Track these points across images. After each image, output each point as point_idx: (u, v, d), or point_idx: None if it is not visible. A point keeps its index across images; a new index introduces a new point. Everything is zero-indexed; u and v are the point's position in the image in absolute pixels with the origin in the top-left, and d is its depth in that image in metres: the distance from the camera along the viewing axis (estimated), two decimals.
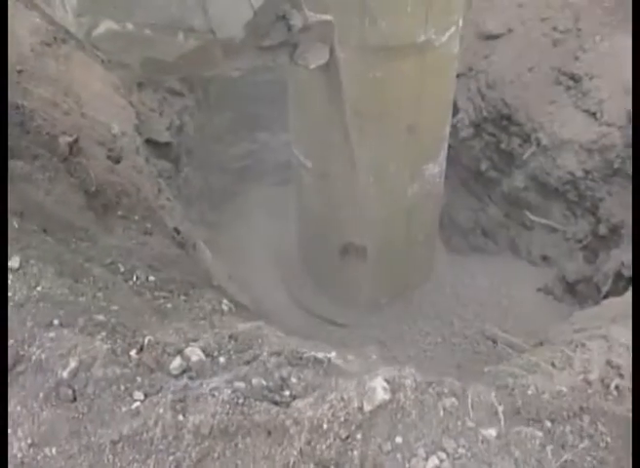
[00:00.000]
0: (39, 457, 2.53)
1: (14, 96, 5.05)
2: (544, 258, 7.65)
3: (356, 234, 6.93)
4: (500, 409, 2.77)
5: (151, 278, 4.06)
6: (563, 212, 7.40)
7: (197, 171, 8.11)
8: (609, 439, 3.06)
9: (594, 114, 6.93)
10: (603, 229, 6.94)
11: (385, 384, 2.50)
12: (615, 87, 6.89)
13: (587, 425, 3.11)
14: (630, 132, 6.66)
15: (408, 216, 6.85)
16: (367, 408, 2.43)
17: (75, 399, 2.67)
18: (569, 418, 3.14)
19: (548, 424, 3.07)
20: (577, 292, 7.15)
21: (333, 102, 6.00)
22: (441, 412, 2.53)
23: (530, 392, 3.37)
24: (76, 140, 5.25)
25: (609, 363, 3.63)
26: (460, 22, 6.01)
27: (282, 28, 2.81)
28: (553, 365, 3.78)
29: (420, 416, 2.48)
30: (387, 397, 2.47)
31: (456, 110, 7.98)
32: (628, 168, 6.72)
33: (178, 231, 5.63)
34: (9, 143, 4.24)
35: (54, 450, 2.54)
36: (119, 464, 2.46)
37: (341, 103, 5.95)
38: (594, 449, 3.00)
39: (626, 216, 6.70)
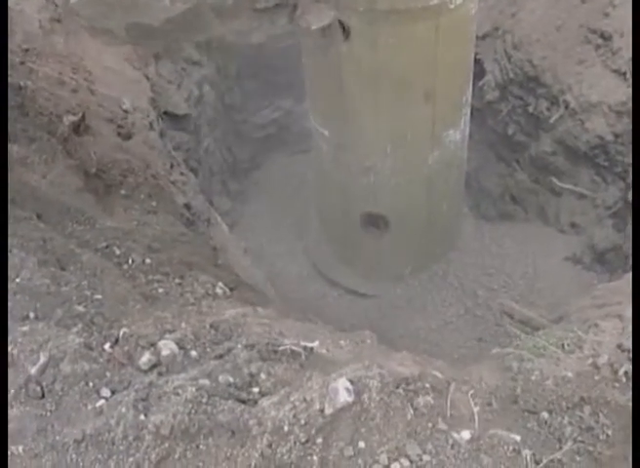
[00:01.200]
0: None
1: (18, 76, 5.01)
2: (573, 226, 7.42)
3: (376, 203, 6.79)
4: (476, 409, 2.63)
5: (147, 261, 4.01)
6: (592, 177, 7.13)
7: (219, 141, 8.02)
8: (610, 431, 2.91)
9: (624, 74, 6.63)
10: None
11: (349, 385, 2.39)
12: None
13: (588, 416, 2.97)
14: None
15: (429, 185, 6.69)
16: (328, 411, 2.33)
17: (44, 395, 2.63)
18: (568, 409, 3.00)
19: (545, 415, 2.93)
20: (606, 261, 6.93)
21: (346, 71, 5.88)
22: (409, 415, 2.41)
23: (533, 377, 3.24)
24: (82, 118, 5.19)
25: (620, 346, 3.46)
26: None
27: None
28: (563, 347, 3.64)
29: (386, 419, 2.37)
30: (350, 399, 2.36)
31: (482, 72, 7.74)
32: None
33: (189, 207, 5.56)
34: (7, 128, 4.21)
35: (20, 449, 2.51)
36: (81, 464, 2.41)
37: (355, 71, 5.83)
38: (592, 443, 2.86)
39: None
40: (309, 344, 2.94)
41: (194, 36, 3.86)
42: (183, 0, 2.62)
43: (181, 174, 6.04)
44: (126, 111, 5.91)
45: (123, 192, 4.80)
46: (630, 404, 3.02)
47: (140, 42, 4.54)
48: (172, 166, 5.91)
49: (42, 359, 2.70)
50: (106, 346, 2.84)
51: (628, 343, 3.47)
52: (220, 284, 3.94)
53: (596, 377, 3.23)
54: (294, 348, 2.79)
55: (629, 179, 6.74)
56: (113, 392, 2.61)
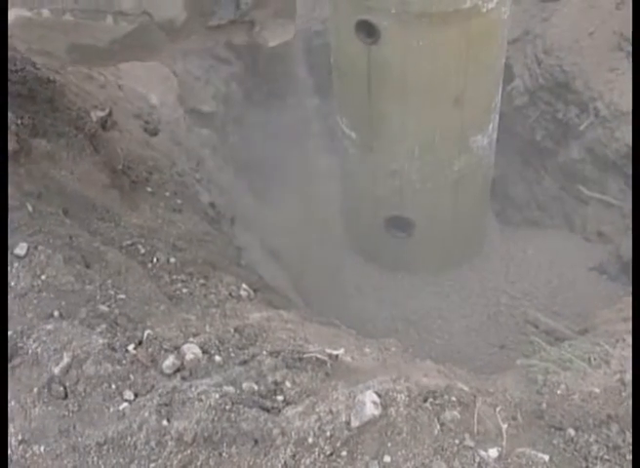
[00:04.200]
0: (27, 455, 2.50)
1: (47, 70, 5.01)
2: (600, 235, 7.32)
3: (402, 207, 6.75)
4: (505, 427, 2.59)
5: (172, 260, 3.99)
6: (620, 186, 7.04)
7: (245, 139, 8.00)
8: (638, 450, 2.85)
9: None
10: None
11: (376, 398, 2.35)
12: None
13: (615, 435, 2.91)
14: None
15: (455, 189, 6.63)
16: (354, 423, 2.29)
17: (66, 396, 2.62)
18: (595, 427, 2.94)
19: (572, 432, 2.88)
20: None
21: (375, 73, 5.84)
22: (436, 430, 2.38)
23: (559, 392, 3.19)
24: (110, 114, 5.19)
25: None
26: None
27: (229, 6, 2.62)
28: (589, 361, 3.58)
29: (412, 434, 2.33)
30: (377, 412, 2.33)
31: (511, 77, 7.67)
32: None
33: (213, 205, 5.55)
34: (34, 121, 4.21)
35: (42, 449, 2.50)
36: (102, 467, 2.40)
37: (384, 74, 5.78)
38: (619, 463, 2.80)
39: None
40: (334, 352, 2.91)
41: (146, 57, 3.80)
42: (128, 20, 2.56)
43: (207, 171, 6.04)
44: (153, 107, 5.91)
45: (149, 189, 4.79)
46: None
47: (83, 63, 4.50)
48: (198, 163, 5.91)
49: (65, 359, 2.69)
50: (130, 348, 2.82)
51: None
52: (244, 285, 3.92)
53: (624, 394, 3.17)
54: (319, 356, 2.76)
55: None
56: (136, 395, 2.59)
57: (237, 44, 7.50)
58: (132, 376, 2.67)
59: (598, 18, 7.14)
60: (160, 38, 2.52)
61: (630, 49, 6.81)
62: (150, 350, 2.80)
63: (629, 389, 3.21)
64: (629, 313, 4.70)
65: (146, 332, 2.90)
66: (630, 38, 6.83)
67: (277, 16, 2.98)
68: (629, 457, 2.80)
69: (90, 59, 3.27)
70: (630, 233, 7.00)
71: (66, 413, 2.57)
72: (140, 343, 2.86)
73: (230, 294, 3.75)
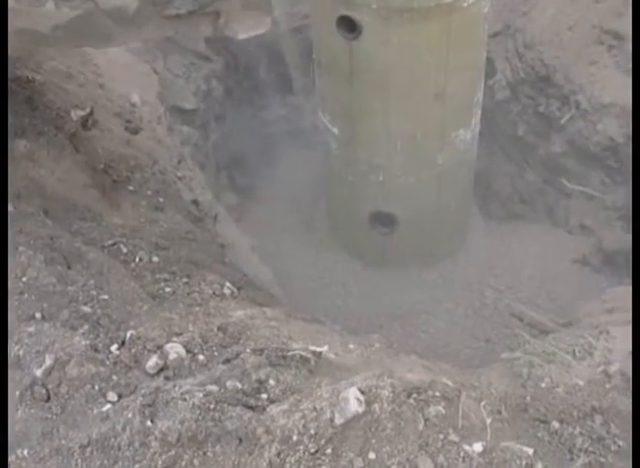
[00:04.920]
0: (11, 459, 2.48)
1: (26, 69, 4.97)
2: (582, 227, 7.36)
3: (385, 202, 6.74)
4: (489, 421, 2.59)
5: (155, 259, 3.97)
6: (602, 179, 7.07)
7: (227, 136, 7.98)
8: (621, 442, 2.87)
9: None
10: None
11: (360, 395, 2.35)
12: None
13: (599, 426, 2.92)
14: None
15: (438, 184, 6.63)
16: (338, 421, 2.29)
17: (49, 398, 2.60)
18: (579, 419, 2.96)
19: (556, 425, 2.89)
20: (615, 263, 6.87)
21: (356, 68, 5.83)
22: (420, 425, 2.38)
23: (543, 385, 3.21)
24: (90, 113, 5.15)
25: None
26: None
27: None
28: (573, 353, 3.59)
29: (397, 430, 2.33)
30: (361, 409, 2.32)
31: (492, 71, 7.68)
32: None
33: (196, 203, 5.53)
34: (14, 121, 4.18)
35: (25, 452, 2.48)
36: None
37: (365, 69, 5.77)
38: (603, 455, 2.81)
39: None
40: (318, 349, 2.90)
41: (95, 44, 3.73)
42: (71, 6, 2.51)
43: (189, 169, 6.01)
44: (134, 105, 5.87)
45: (130, 188, 4.76)
46: None
47: (32, 47, 4.44)
48: (179, 161, 5.88)
49: (48, 361, 2.67)
50: (113, 348, 2.81)
51: None
52: (228, 283, 3.90)
53: (607, 386, 3.20)
54: (303, 353, 2.75)
55: None
56: (120, 396, 2.58)
57: (210, 38, 7.52)
58: (115, 377, 2.66)
59: (577, 11, 7.15)
60: (108, 26, 2.47)
61: (612, 42, 6.84)
62: (133, 350, 2.79)
63: (614, 381, 3.23)
64: (613, 305, 4.75)
65: (129, 333, 2.88)
66: (610, 31, 6.86)
67: (246, 7, 2.93)
68: (614, 448, 2.82)
69: (35, 44, 3.20)
70: (613, 225, 7.07)
71: (49, 416, 2.56)
72: (123, 344, 2.84)
73: (214, 293, 3.74)
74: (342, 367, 2.94)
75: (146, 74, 6.46)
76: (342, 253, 7.51)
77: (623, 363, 3.34)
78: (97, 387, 2.61)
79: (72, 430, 2.50)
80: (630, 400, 3.07)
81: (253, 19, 3.07)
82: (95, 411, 2.52)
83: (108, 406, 2.52)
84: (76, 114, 4.95)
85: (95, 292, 3.23)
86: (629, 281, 5.37)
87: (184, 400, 2.44)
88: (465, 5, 5.44)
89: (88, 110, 5.08)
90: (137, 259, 3.89)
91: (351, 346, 3.42)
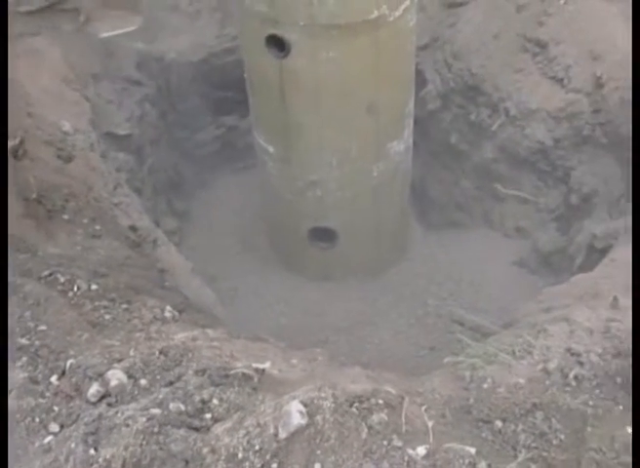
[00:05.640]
0: None
1: None
2: (518, 230, 7.53)
3: (323, 217, 6.80)
4: (431, 424, 2.64)
5: (93, 287, 3.92)
6: (534, 182, 7.25)
7: (163, 160, 7.95)
8: (562, 436, 2.94)
9: (561, 80, 6.76)
10: (575, 199, 6.80)
11: (302, 407, 2.37)
12: (580, 52, 6.71)
13: (540, 422, 2.99)
14: (598, 98, 6.52)
15: (375, 196, 6.71)
16: (282, 434, 2.31)
17: None
18: (521, 416, 3.02)
19: (499, 424, 2.95)
20: (551, 264, 7.03)
21: (288, 86, 5.88)
22: (364, 433, 2.41)
23: (486, 386, 3.26)
24: (21, 143, 5.08)
25: (569, 350, 3.52)
26: None
27: None
28: (514, 353, 3.67)
29: (341, 440, 2.36)
30: (304, 421, 2.35)
31: (423, 82, 7.81)
32: (598, 135, 6.58)
33: (134, 229, 5.48)
34: None
35: None
36: None
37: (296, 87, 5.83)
38: (546, 449, 2.88)
39: (597, 186, 6.58)
40: (261, 366, 2.91)
41: None
42: None
43: (125, 195, 5.96)
44: (66, 133, 5.81)
45: (65, 217, 4.70)
46: (582, 407, 3.06)
47: None
48: (115, 187, 5.83)
49: None
50: (53, 379, 2.78)
51: (577, 347, 3.52)
52: (169, 307, 3.88)
53: (547, 382, 3.28)
54: (245, 371, 2.76)
55: (571, 183, 6.87)
56: (62, 426, 2.55)
57: (141, 62, 7.51)
58: (56, 408, 2.63)
59: (501, 21, 7.34)
60: None
61: (535, 50, 7.03)
62: (74, 380, 2.76)
63: (553, 377, 3.31)
64: (550, 304, 4.85)
65: (69, 362, 2.86)
66: (533, 39, 7.06)
67: (109, 6, 2.90)
68: (555, 442, 2.88)
69: None
70: (547, 227, 7.23)
71: None
72: (64, 374, 2.82)
73: (155, 317, 3.71)
74: (286, 382, 2.96)
75: (77, 102, 6.40)
76: (284, 271, 7.54)
77: (562, 359, 3.43)
78: (37, 419, 2.58)
79: (14, 465, 2.46)
80: (570, 395, 3.16)
81: (118, 17, 3.03)
82: (36, 444, 2.49)
83: (50, 437, 2.49)
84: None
85: (32, 324, 3.19)
86: (565, 280, 5.53)
87: (127, 425, 2.43)
88: (392, 19, 5.55)
89: (18, 140, 5.01)
90: (75, 288, 3.83)
91: (294, 361, 3.44)
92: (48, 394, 2.67)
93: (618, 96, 6.36)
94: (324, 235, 6.95)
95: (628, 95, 6.23)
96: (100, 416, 2.50)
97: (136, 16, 3.50)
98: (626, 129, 6.22)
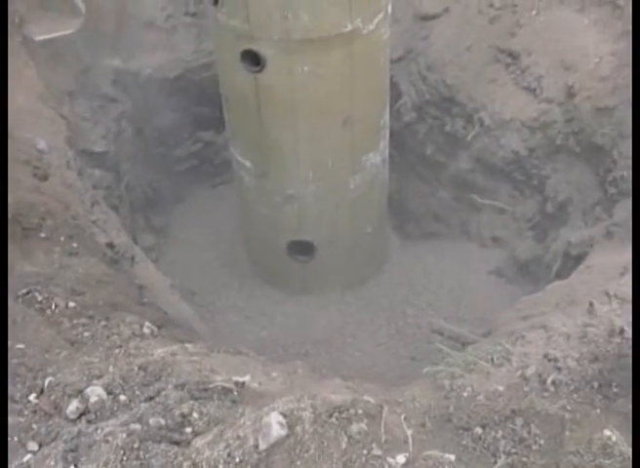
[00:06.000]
0: None
1: None
2: (495, 240, 7.59)
3: (301, 231, 6.82)
4: (410, 432, 2.65)
5: (71, 304, 3.91)
6: (510, 192, 7.33)
7: (140, 177, 7.94)
8: (542, 441, 2.96)
9: (534, 91, 6.84)
10: (550, 207, 6.87)
11: (282, 419, 2.38)
12: (552, 62, 6.79)
13: (520, 428, 3.02)
14: (571, 107, 6.60)
15: (352, 209, 6.75)
16: (262, 446, 2.32)
17: None
18: (500, 422, 3.04)
19: (479, 431, 2.97)
20: (528, 272, 7.09)
21: (263, 100, 5.90)
22: (344, 443, 2.42)
23: (465, 394, 3.28)
24: None
25: (546, 356, 3.55)
26: (390, 7, 5.89)
27: None
28: (492, 361, 3.70)
29: (321, 450, 2.37)
30: (284, 432, 2.36)
31: (398, 94, 7.87)
32: (571, 144, 6.65)
33: (112, 246, 5.47)
34: None
35: None
36: None
37: (272, 101, 5.85)
38: (525, 455, 2.90)
39: (572, 194, 6.65)
40: (240, 379, 2.92)
41: None
42: None
43: (102, 212, 5.95)
44: (41, 152, 5.80)
45: (42, 235, 4.68)
46: (560, 411, 3.09)
47: None
48: (92, 205, 5.82)
49: None
50: (31, 397, 2.76)
51: (555, 353, 3.56)
52: (147, 323, 3.87)
53: (525, 388, 3.30)
54: (225, 385, 2.77)
55: (546, 192, 6.94)
56: (41, 445, 2.54)
57: (117, 79, 7.52)
58: (35, 426, 2.61)
59: (474, 33, 7.41)
60: None
61: (508, 61, 7.11)
62: (53, 397, 2.75)
63: (531, 383, 3.34)
64: (528, 312, 4.90)
65: (47, 380, 2.85)
66: (505, 50, 7.14)
67: (45, 8, 2.87)
68: (535, 448, 2.91)
69: None
70: (524, 235, 7.29)
71: None
72: (42, 392, 2.80)
73: (133, 333, 3.70)
74: (266, 394, 2.96)
75: (53, 119, 6.39)
76: (264, 285, 7.55)
77: (539, 365, 3.47)
78: (16, 438, 2.56)
79: None
80: (548, 400, 3.19)
81: (54, 19, 3.00)
82: (15, 464, 2.47)
83: (29, 456, 2.48)
84: None
85: (10, 342, 3.17)
86: (542, 288, 5.58)
87: (107, 441, 2.42)
88: (365, 32, 5.59)
89: None
90: (52, 306, 3.82)
91: (274, 374, 3.45)
92: (26, 412, 2.66)
93: (590, 105, 6.44)
94: (302, 248, 6.96)
95: (600, 103, 6.33)
96: (79, 433, 2.49)
97: (74, 18, 3.44)
98: (599, 137, 6.31)
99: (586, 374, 3.27)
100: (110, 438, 2.43)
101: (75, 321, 3.75)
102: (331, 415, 2.51)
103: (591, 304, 4.02)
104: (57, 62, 6.86)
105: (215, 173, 8.66)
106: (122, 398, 2.74)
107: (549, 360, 3.51)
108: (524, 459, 2.85)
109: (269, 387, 3.12)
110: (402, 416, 2.75)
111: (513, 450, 2.88)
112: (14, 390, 2.78)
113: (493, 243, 7.63)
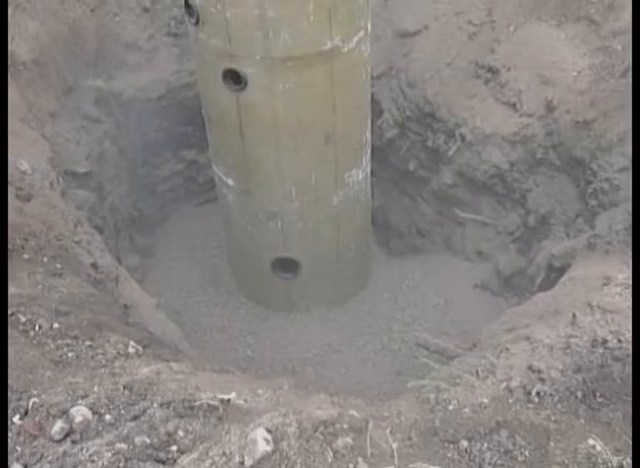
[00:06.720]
0: None
1: None
2: (479, 254, 7.63)
3: (285, 248, 6.83)
4: (395, 445, 2.66)
5: (55, 325, 3.89)
6: (492, 205, 7.38)
7: (123, 197, 7.94)
8: (527, 452, 2.97)
9: (514, 105, 6.91)
10: (532, 220, 6.93)
11: (267, 435, 2.38)
12: (531, 76, 6.87)
13: (505, 440, 3.03)
14: (550, 121, 6.67)
15: (336, 225, 6.77)
16: (248, 462, 2.32)
17: None
18: (486, 435, 3.06)
19: (465, 444, 2.98)
20: (513, 285, 7.13)
21: (245, 119, 5.93)
22: (329, 458, 2.42)
23: (451, 407, 3.30)
24: None
25: (530, 368, 3.57)
26: (369, 26, 5.94)
27: None
28: (477, 374, 3.72)
29: (306, 465, 2.37)
30: (269, 448, 2.36)
31: (380, 111, 7.92)
32: (552, 157, 6.72)
33: (95, 266, 5.46)
34: None
35: None
36: None
37: (254, 119, 5.88)
38: (511, 466, 2.91)
39: (553, 206, 6.70)
40: (226, 397, 2.92)
41: None
42: None
43: (86, 233, 5.93)
44: (24, 173, 5.79)
45: (25, 256, 4.67)
46: (545, 422, 3.11)
47: None
48: (75, 225, 5.80)
49: None
50: (15, 419, 2.75)
51: (539, 364, 3.58)
52: (132, 342, 3.86)
53: (510, 400, 3.32)
54: (210, 402, 2.77)
55: (528, 205, 6.99)
56: (25, 466, 2.52)
57: (99, 99, 7.53)
58: (19, 448, 2.60)
59: (454, 49, 7.48)
60: None
61: (487, 76, 7.18)
62: (37, 418, 2.74)
63: (515, 395, 3.36)
64: (512, 324, 4.92)
65: (32, 401, 2.83)
66: (485, 65, 7.21)
67: None
68: (520, 459, 2.92)
69: None
70: (507, 249, 7.33)
71: None
72: (26, 413, 2.79)
73: (118, 353, 3.69)
74: (252, 411, 2.96)
75: (35, 140, 6.38)
76: (249, 303, 7.56)
77: (523, 377, 3.49)
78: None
79: None
80: (533, 411, 3.20)
81: None
82: None
83: None
84: None
85: None
86: (526, 300, 5.61)
87: (93, 461, 2.41)
88: (346, 50, 5.64)
89: None
90: (36, 328, 3.80)
91: (260, 391, 3.44)
92: (11, 434, 2.64)
93: (569, 118, 6.51)
94: (287, 266, 6.98)
95: (579, 117, 6.40)
96: (64, 454, 2.48)
97: None
98: (579, 150, 6.37)
99: (570, 385, 3.29)
100: (96, 458, 2.43)
101: (60, 341, 3.73)
102: (316, 430, 2.52)
103: (574, 316, 4.06)
104: (39, 83, 6.87)
105: (199, 191, 8.67)
106: (107, 417, 2.74)
107: (533, 371, 3.53)
108: None
109: (255, 404, 3.12)
110: (388, 430, 2.76)
111: (499, 462, 2.89)
112: None
113: (477, 257, 7.67)
